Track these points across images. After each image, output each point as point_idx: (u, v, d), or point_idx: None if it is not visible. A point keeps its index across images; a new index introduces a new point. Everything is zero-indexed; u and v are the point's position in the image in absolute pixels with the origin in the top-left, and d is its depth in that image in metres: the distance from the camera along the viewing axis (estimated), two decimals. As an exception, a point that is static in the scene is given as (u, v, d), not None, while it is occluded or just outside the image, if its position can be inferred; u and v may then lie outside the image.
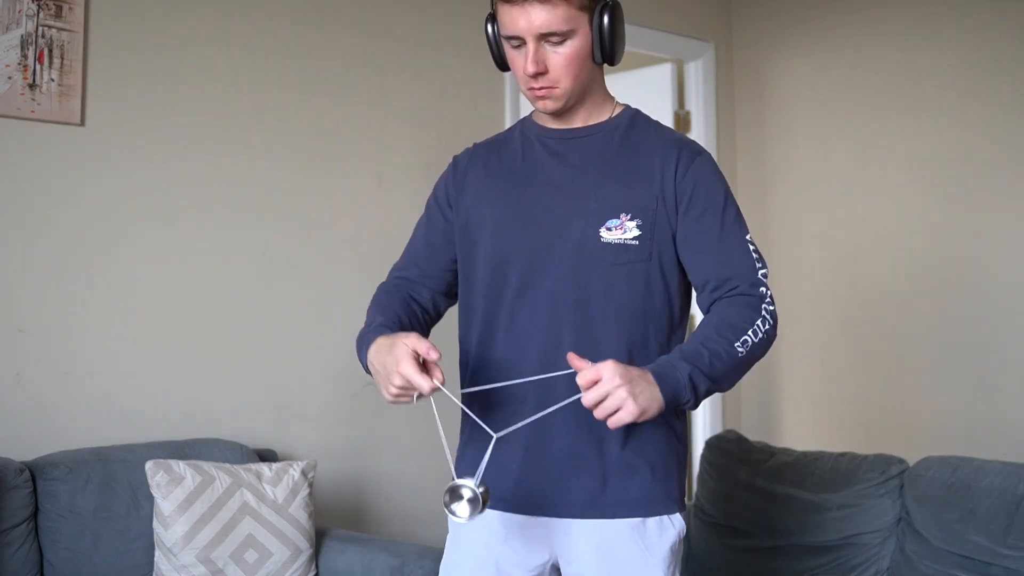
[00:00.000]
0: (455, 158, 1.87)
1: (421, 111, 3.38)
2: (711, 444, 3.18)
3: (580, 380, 1.46)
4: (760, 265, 1.68)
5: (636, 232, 1.66)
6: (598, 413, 1.46)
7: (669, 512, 1.69)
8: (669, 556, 1.68)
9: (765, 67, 4.28)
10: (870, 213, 3.90)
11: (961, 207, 3.65)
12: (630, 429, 1.66)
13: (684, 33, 4.19)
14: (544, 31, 1.60)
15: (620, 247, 1.66)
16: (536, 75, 1.63)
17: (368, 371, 1.64)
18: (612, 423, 1.46)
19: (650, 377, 1.50)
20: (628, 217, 1.66)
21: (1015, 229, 3.52)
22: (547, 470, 1.68)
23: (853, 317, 3.96)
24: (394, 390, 1.53)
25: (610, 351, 1.60)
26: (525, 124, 1.83)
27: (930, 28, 3.75)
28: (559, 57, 1.63)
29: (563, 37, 1.61)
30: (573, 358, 1.48)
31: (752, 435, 3.59)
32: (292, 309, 3.11)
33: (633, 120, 1.78)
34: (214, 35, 2.99)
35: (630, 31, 4.31)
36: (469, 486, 1.48)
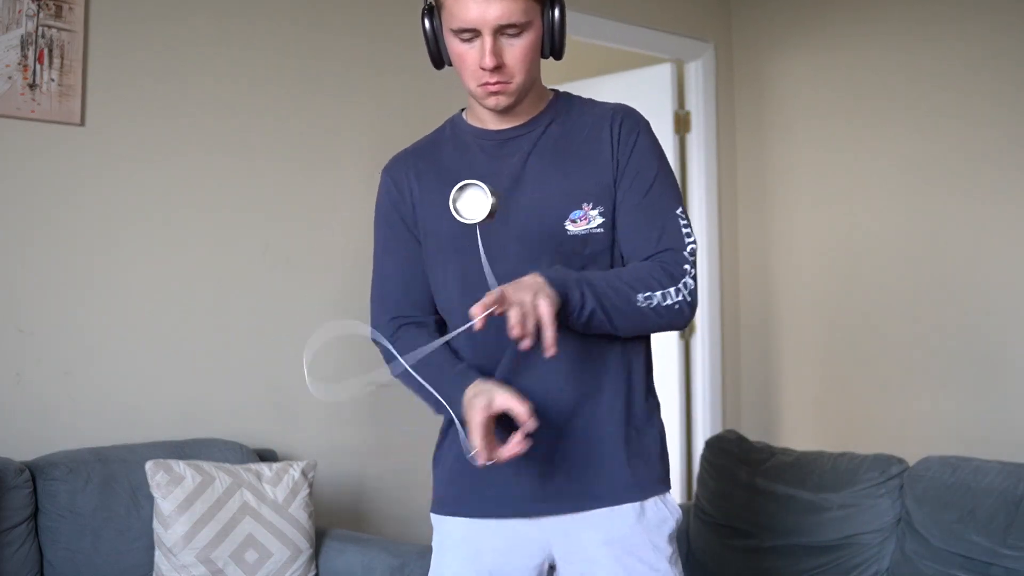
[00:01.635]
0: (389, 172, 1.78)
1: (421, 111, 3.38)
2: (711, 444, 3.18)
3: (476, 308, 1.40)
4: (690, 240, 1.65)
5: (600, 219, 1.64)
6: (519, 329, 1.41)
7: (661, 492, 1.68)
8: (670, 544, 1.67)
9: (765, 67, 4.28)
10: (870, 213, 3.90)
11: (961, 207, 3.65)
12: (610, 416, 1.66)
13: (684, 33, 4.19)
14: (503, 23, 1.55)
15: (587, 236, 1.63)
16: (495, 68, 1.57)
17: (449, 414, 1.62)
18: (543, 320, 1.42)
19: (540, 280, 1.47)
20: (590, 206, 1.64)
21: (1015, 229, 3.52)
22: (535, 470, 1.65)
23: (853, 317, 3.96)
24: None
25: (588, 340, 1.61)
26: (457, 125, 1.77)
27: (930, 28, 3.75)
28: (516, 50, 1.58)
29: (520, 29, 1.56)
30: (475, 308, 1.42)
31: (752, 435, 3.59)
32: (292, 309, 3.11)
33: (568, 103, 1.73)
34: (214, 35, 2.99)
35: (630, 31, 4.32)
36: (481, 186, 1.45)
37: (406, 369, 1.57)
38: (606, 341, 1.65)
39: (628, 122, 1.68)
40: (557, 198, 1.64)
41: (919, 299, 3.75)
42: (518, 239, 1.64)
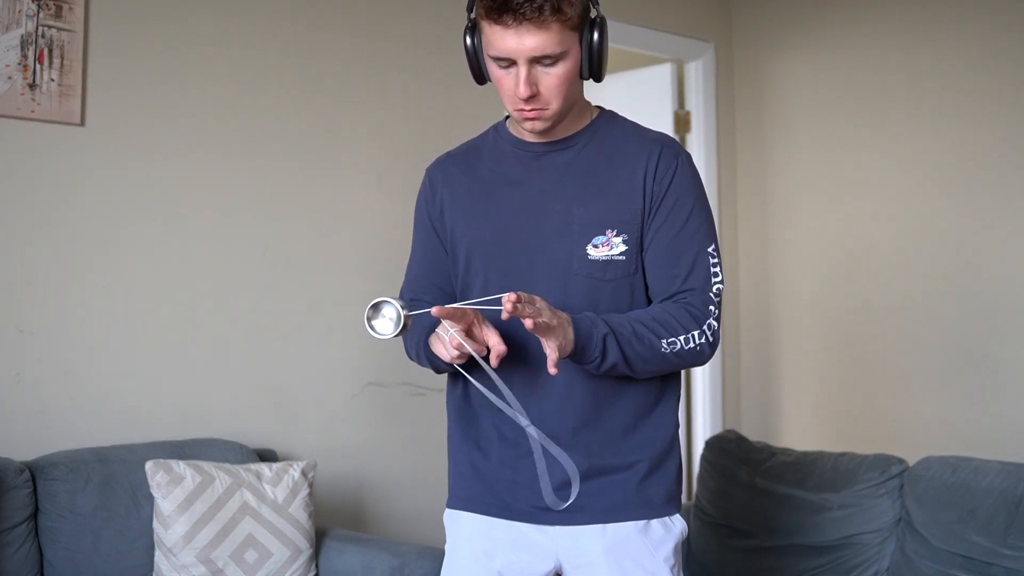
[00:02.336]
0: (428, 172, 1.81)
1: (421, 111, 3.38)
2: (711, 444, 3.18)
3: (511, 295, 1.41)
4: (717, 280, 1.66)
5: (623, 247, 1.65)
6: (528, 313, 1.43)
7: (670, 513, 1.71)
8: (672, 557, 1.69)
9: (765, 67, 4.28)
10: (870, 213, 3.90)
11: (961, 207, 3.65)
12: (631, 432, 1.68)
13: (684, 33, 4.19)
14: (537, 54, 1.54)
15: (608, 263, 1.65)
16: (529, 98, 1.57)
17: (437, 365, 1.67)
18: (537, 330, 1.44)
19: (567, 321, 1.51)
20: (614, 233, 1.65)
21: (1015, 229, 3.52)
22: (533, 476, 1.65)
23: (853, 317, 3.96)
24: (449, 336, 1.51)
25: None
26: (499, 132, 1.78)
27: (930, 28, 3.75)
28: (551, 79, 1.58)
29: (555, 59, 1.56)
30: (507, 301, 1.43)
31: (752, 435, 3.59)
32: (292, 309, 3.11)
33: (611, 125, 1.74)
34: (214, 35, 2.99)
35: (630, 31, 4.33)
36: (395, 303, 1.48)
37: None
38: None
39: (667, 154, 1.68)
40: (582, 221, 1.65)
41: (919, 299, 3.75)
42: (541, 256, 1.66)
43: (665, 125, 4.19)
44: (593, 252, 1.64)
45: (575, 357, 1.54)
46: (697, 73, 4.25)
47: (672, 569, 1.68)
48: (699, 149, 4.23)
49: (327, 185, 3.21)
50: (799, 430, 4.12)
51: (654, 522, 1.69)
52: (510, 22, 1.52)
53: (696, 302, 1.64)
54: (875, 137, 3.90)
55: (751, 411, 4.30)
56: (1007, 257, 3.54)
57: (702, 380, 4.22)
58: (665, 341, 1.59)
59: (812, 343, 4.10)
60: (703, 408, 4.22)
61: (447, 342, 1.51)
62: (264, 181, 3.08)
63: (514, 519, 1.70)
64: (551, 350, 1.46)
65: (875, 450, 2.96)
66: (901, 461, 2.82)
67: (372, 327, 1.48)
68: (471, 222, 1.71)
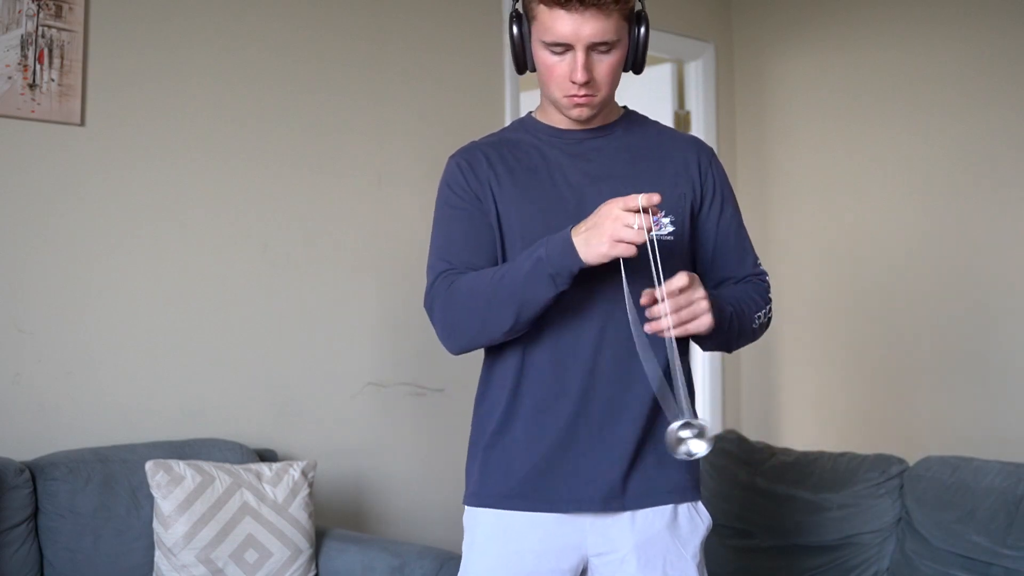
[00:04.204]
0: (464, 156, 1.76)
1: (421, 111, 3.38)
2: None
3: (670, 285, 1.51)
4: (757, 258, 1.85)
5: (670, 228, 1.69)
6: (677, 319, 1.52)
7: (694, 499, 1.76)
8: (699, 552, 1.75)
9: (765, 67, 4.28)
10: (870, 213, 3.90)
11: (961, 206, 3.65)
12: (652, 418, 1.70)
13: (684, 33, 4.19)
14: (596, 40, 1.59)
15: (659, 244, 1.65)
16: (584, 83, 1.62)
17: (542, 294, 1.58)
18: (680, 332, 1.54)
19: (709, 301, 1.58)
20: (663, 213, 1.68)
21: (1015, 229, 3.52)
22: (578, 465, 1.68)
23: (853, 317, 3.96)
24: (639, 222, 1.48)
25: (646, 346, 1.62)
26: (529, 124, 1.79)
27: (930, 28, 3.75)
28: (604, 66, 1.63)
29: (610, 46, 1.61)
30: (646, 294, 1.53)
31: (752, 435, 3.59)
32: (292, 309, 3.11)
33: (635, 119, 1.82)
34: (214, 35, 2.99)
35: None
36: (697, 423, 1.55)
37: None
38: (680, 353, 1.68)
39: (707, 150, 1.82)
40: None
41: (919, 299, 3.75)
42: None
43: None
44: None
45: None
46: (697, 73, 4.25)
47: (699, 567, 1.73)
48: (699, 149, 4.23)
49: (327, 185, 3.21)
50: (799, 430, 4.12)
51: (682, 512, 1.73)
52: (575, 7, 1.56)
53: (763, 285, 1.81)
54: (875, 137, 3.90)
55: (751, 411, 4.30)
56: (1007, 257, 3.54)
57: (702, 380, 4.22)
58: (757, 316, 1.74)
59: (812, 343, 4.10)
60: (703, 408, 4.22)
61: (637, 226, 1.48)
62: (264, 181, 3.08)
63: (541, 510, 1.69)
64: (709, 323, 1.57)
65: (875, 450, 2.96)
66: (901, 461, 2.83)
67: (687, 453, 1.56)
68: (520, 207, 1.70)
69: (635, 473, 1.70)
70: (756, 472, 3.00)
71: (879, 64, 3.88)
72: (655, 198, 1.48)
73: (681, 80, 4.29)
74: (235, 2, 3.04)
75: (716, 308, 1.59)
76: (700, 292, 1.54)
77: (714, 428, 1.54)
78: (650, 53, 4.56)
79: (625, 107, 1.83)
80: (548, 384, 1.68)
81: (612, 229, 1.48)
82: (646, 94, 4.25)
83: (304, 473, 2.67)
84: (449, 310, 1.67)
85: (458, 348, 1.71)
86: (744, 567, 2.94)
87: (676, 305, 1.53)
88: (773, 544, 2.90)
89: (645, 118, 1.84)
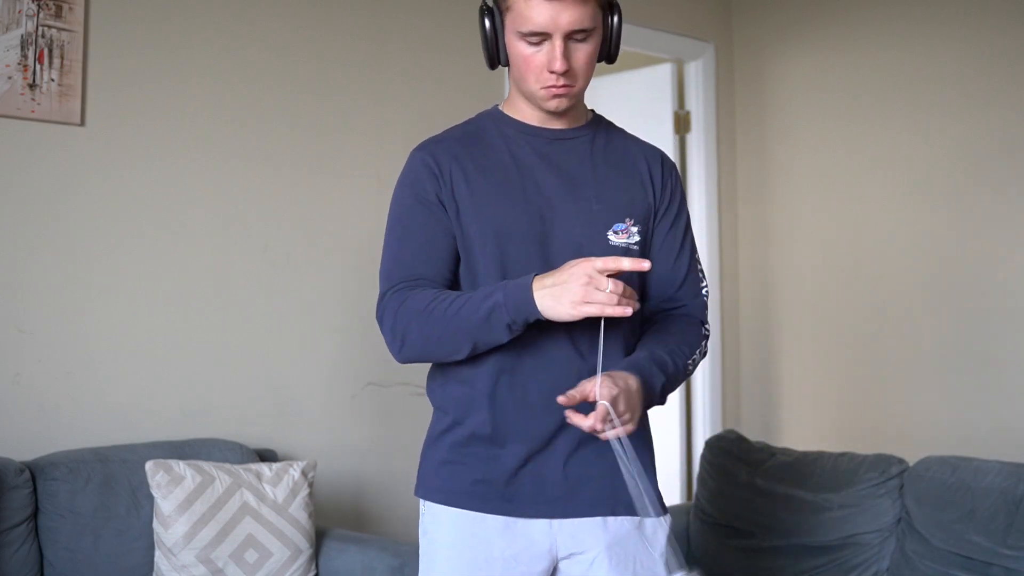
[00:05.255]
0: (427, 152, 1.71)
1: (421, 111, 3.38)
2: (711, 444, 3.18)
3: (586, 426, 1.49)
4: (703, 284, 1.80)
5: (637, 237, 1.69)
6: (602, 429, 1.51)
7: (659, 513, 1.71)
8: (667, 548, 1.72)
9: (765, 67, 4.28)
10: (870, 213, 3.90)
11: (961, 207, 3.65)
12: (636, 432, 1.68)
13: (684, 33, 4.19)
14: (574, 28, 1.58)
15: (625, 251, 1.67)
16: (563, 72, 1.60)
17: (510, 326, 1.55)
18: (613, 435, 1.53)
19: (639, 394, 1.56)
20: (632, 222, 1.68)
21: (1016, 229, 3.52)
22: (551, 471, 1.67)
23: (853, 317, 3.96)
24: (611, 287, 1.45)
25: (614, 354, 1.64)
26: (496, 118, 1.75)
27: (930, 29, 3.75)
28: (581, 54, 1.62)
29: (587, 34, 1.60)
30: (569, 409, 1.51)
31: (752, 435, 3.59)
32: (292, 309, 3.11)
33: (602, 124, 1.79)
34: (214, 35, 2.99)
35: (630, 31, 4.32)
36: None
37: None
38: (621, 353, 1.69)
39: (668, 162, 1.79)
40: (605, 207, 1.68)
41: (919, 299, 3.75)
42: (560, 240, 1.66)
43: (665, 125, 4.19)
44: (614, 238, 1.67)
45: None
46: (697, 73, 4.25)
47: (668, 564, 1.70)
48: (699, 149, 4.23)
49: (327, 186, 3.21)
50: (799, 430, 4.12)
51: (647, 520, 1.71)
52: None
53: (696, 311, 1.76)
54: (875, 137, 3.90)
55: (751, 411, 4.30)
56: (1007, 257, 3.54)
57: (702, 380, 4.22)
58: (689, 362, 1.70)
59: (812, 343, 4.10)
60: (703, 408, 4.22)
61: (609, 291, 1.46)
62: (264, 181, 3.08)
63: (516, 515, 1.66)
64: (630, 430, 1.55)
65: (875, 450, 2.96)
66: (901, 461, 2.83)
67: None
68: (486, 204, 1.66)
69: (610, 484, 1.67)
70: (756, 472, 3.00)
71: (879, 64, 3.88)
72: (644, 264, 1.48)
73: (681, 80, 4.29)
74: (235, 2, 3.04)
75: (646, 392, 1.58)
76: (621, 416, 1.53)
77: None
78: (650, 53, 4.53)
79: (592, 111, 1.79)
80: (510, 384, 1.65)
81: (583, 292, 1.45)
82: (646, 94, 4.25)
83: (304, 473, 2.67)
84: (399, 326, 1.63)
85: (406, 361, 1.69)
86: (744, 567, 2.94)
87: (595, 425, 1.51)
88: (773, 544, 2.90)
89: (611, 124, 1.81)
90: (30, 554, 2.43)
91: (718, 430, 4.06)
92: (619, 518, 1.69)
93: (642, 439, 1.72)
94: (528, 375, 1.65)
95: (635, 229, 1.69)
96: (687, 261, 1.76)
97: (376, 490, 3.24)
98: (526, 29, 1.58)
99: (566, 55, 1.59)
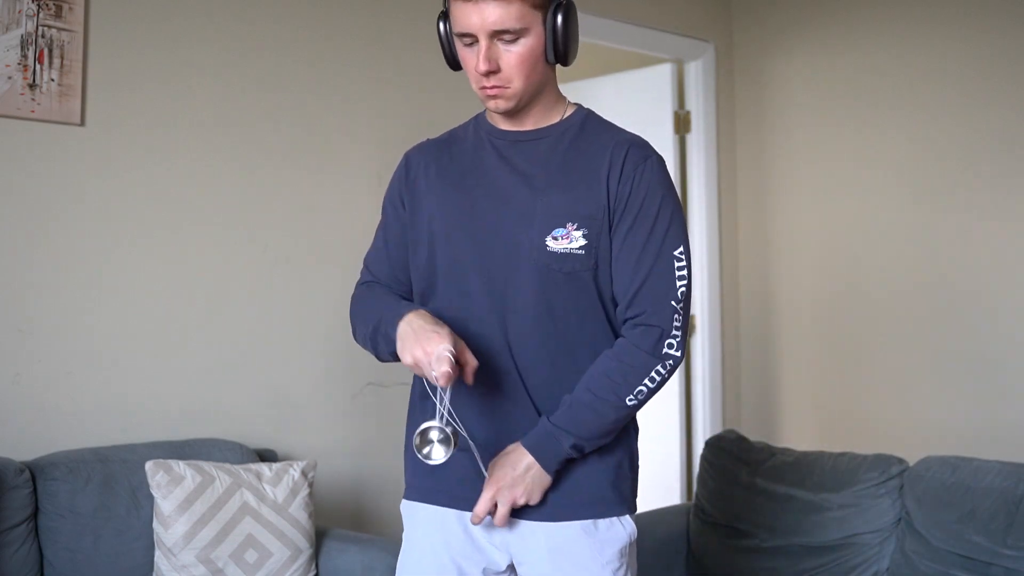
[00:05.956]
0: (407, 156, 1.83)
1: (420, 112, 3.38)
2: (711, 444, 3.18)
3: (477, 519, 1.64)
4: (681, 284, 1.65)
5: (582, 241, 1.64)
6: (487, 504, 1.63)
7: (620, 514, 1.70)
8: (618, 558, 1.68)
9: (765, 67, 4.28)
10: (870, 213, 3.90)
11: (961, 207, 3.65)
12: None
13: (684, 33, 4.19)
14: (497, 28, 1.58)
15: (565, 256, 1.64)
16: (488, 73, 1.61)
17: (381, 353, 1.69)
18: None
19: (533, 470, 1.62)
20: (574, 227, 1.64)
21: (1016, 229, 3.52)
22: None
23: (853, 317, 3.96)
24: (439, 366, 1.52)
25: (556, 355, 1.67)
26: (479, 121, 1.80)
27: (930, 29, 3.75)
28: (511, 56, 1.61)
29: (516, 35, 1.59)
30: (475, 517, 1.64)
31: (752, 435, 3.59)
32: (292, 309, 3.11)
33: (585, 122, 1.74)
34: (214, 35, 2.99)
35: (630, 31, 4.32)
36: (437, 426, 1.55)
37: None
38: (585, 360, 1.68)
39: (635, 154, 1.67)
40: (545, 212, 1.66)
41: (919, 299, 3.75)
42: (503, 244, 1.67)
43: (665, 125, 4.19)
44: (552, 244, 1.65)
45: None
46: (697, 73, 4.25)
47: (616, 572, 1.67)
48: (699, 149, 4.23)
49: (327, 185, 3.21)
50: (799, 430, 4.12)
51: (602, 522, 1.68)
52: None
53: (653, 323, 1.64)
54: (875, 137, 3.90)
55: (751, 411, 4.30)
56: (1008, 257, 3.54)
57: (702, 380, 4.22)
58: (630, 398, 1.64)
59: (812, 343, 4.10)
60: (703, 408, 4.22)
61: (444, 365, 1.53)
62: (264, 181, 3.08)
63: (468, 509, 1.69)
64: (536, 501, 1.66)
65: (875, 450, 2.96)
66: (901, 461, 2.82)
67: (427, 455, 1.57)
68: (441, 207, 1.72)
69: (558, 486, 1.67)
70: (756, 472, 3.00)
71: (879, 64, 3.88)
72: (444, 376, 1.51)
73: (681, 80, 4.29)
74: (235, 2, 3.04)
75: (547, 459, 1.63)
76: (504, 507, 1.63)
77: (463, 441, 1.57)
78: (650, 53, 4.52)
79: (578, 107, 1.77)
80: (456, 392, 1.66)
81: (419, 355, 1.55)
82: (646, 94, 4.25)
83: (304, 473, 2.67)
84: (351, 318, 1.81)
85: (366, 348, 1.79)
86: (744, 567, 2.94)
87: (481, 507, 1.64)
88: (773, 544, 2.90)
89: (592, 118, 1.75)
90: (30, 554, 2.43)
91: (718, 430, 4.06)
92: (565, 525, 1.70)
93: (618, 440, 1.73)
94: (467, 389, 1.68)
95: (578, 233, 1.64)
96: (648, 265, 1.64)
97: (376, 490, 3.24)
98: (458, 30, 1.63)
99: (491, 56, 1.60)
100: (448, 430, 1.55)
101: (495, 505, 1.64)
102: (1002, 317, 3.54)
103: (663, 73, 4.25)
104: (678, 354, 1.66)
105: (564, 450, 1.62)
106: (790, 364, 4.17)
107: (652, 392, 1.66)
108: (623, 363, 1.64)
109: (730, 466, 3.07)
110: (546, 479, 1.63)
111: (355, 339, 1.80)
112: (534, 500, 1.63)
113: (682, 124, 4.25)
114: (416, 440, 1.56)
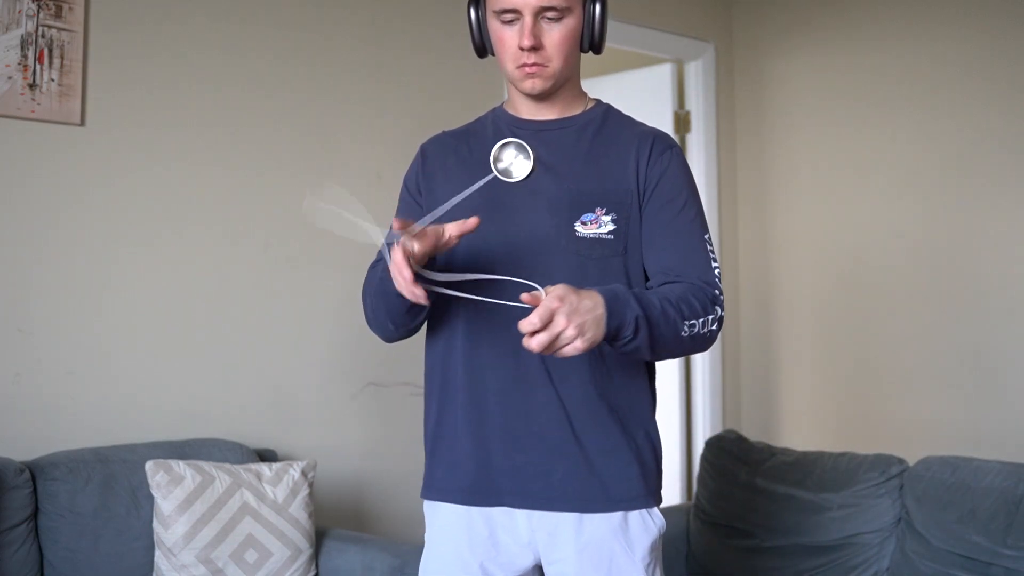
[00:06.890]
0: (423, 147, 1.84)
1: (421, 112, 3.39)
2: (711, 444, 3.18)
3: (526, 327, 1.39)
4: (715, 264, 1.69)
5: (611, 226, 1.66)
6: (541, 351, 1.41)
7: (648, 506, 1.69)
8: (649, 554, 1.68)
9: (765, 67, 4.28)
10: (870, 213, 3.90)
11: (961, 207, 3.65)
12: (612, 422, 1.67)
13: (684, 33, 4.19)
14: (544, 5, 1.61)
15: (595, 241, 1.65)
16: (532, 49, 1.63)
17: (389, 295, 1.63)
18: (553, 357, 1.48)
19: (600, 311, 1.46)
20: (603, 211, 1.66)
21: (1016, 229, 3.52)
22: (528, 460, 1.66)
23: (853, 317, 3.96)
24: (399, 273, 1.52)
25: (579, 366, 1.64)
26: (496, 114, 1.81)
27: (930, 29, 3.75)
28: (555, 34, 1.64)
29: (560, 14, 1.63)
30: (526, 297, 1.44)
31: (752, 435, 3.59)
32: (292, 309, 3.11)
33: (607, 115, 1.78)
34: (214, 35, 2.99)
35: (630, 31, 4.32)
36: (515, 141, 1.67)
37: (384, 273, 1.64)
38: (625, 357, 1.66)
39: (660, 145, 1.72)
40: (572, 198, 1.67)
41: (919, 299, 3.75)
42: (531, 232, 1.67)
43: (665, 125, 4.19)
44: (581, 229, 1.66)
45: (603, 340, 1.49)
46: (697, 73, 4.25)
47: (648, 568, 1.67)
48: (699, 149, 4.23)
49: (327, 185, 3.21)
50: (799, 430, 4.12)
51: (633, 516, 1.68)
52: None
53: (707, 286, 1.65)
54: (875, 137, 3.90)
55: (751, 411, 4.30)
56: (1007, 257, 3.54)
57: (702, 380, 4.22)
58: (687, 324, 1.57)
59: (812, 343, 4.10)
60: (703, 408, 4.22)
61: (401, 270, 1.50)
62: (264, 181, 3.08)
63: (491, 504, 1.68)
64: (580, 348, 1.43)
65: (875, 450, 2.96)
66: (901, 461, 2.83)
67: (508, 172, 1.62)
68: (453, 193, 1.68)
69: (586, 476, 1.66)
70: (756, 472, 3.00)
71: (879, 64, 3.88)
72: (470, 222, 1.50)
73: (681, 80, 4.29)
74: (235, 3, 3.04)
75: (609, 307, 1.47)
76: (560, 325, 1.40)
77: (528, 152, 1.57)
78: (650, 53, 4.52)
79: (598, 101, 1.80)
80: (475, 379, 1.67)
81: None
82: (646, 94, 4.26)
83: (304, 473, 2.67)
84: (363, 301, 1.77)
85: (377, 333, 1.76)
86: (744, 567, 2.94)
87: (543, 341, 1.42)
88: (773, 544, 2.90)
89: (612, 111, 1.79)
90: (30, 554, 2.43)
91: (718, 430, 4.06)
92: (596, 520, 1.68)
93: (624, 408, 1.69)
94: (472, 368, 1.68)
95: (607, 218, 1.66)
96: (687, 241, 1.67)
97: (376, 490, 3.24)
98: (499, 7, 1.64)
99: (535, 32, 1.62)
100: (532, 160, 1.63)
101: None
102: (1002, 317, 3.54)
103: (663, 73, 4.26)
104: (719, 326, 1.64)
105: (628, 319, 1.49)
106: (790, 364, 4.17)
107: (698, 338, 1.59)
108: (686, 293, 1.61)
109: (730, 466, 3.07)
110: (599, 333, 1.45)
111: (367, 323, 1.76)
112: (578, 347, 1.42)
113: (682, 124, 4.25)
114: (495, 152, 1.64)
